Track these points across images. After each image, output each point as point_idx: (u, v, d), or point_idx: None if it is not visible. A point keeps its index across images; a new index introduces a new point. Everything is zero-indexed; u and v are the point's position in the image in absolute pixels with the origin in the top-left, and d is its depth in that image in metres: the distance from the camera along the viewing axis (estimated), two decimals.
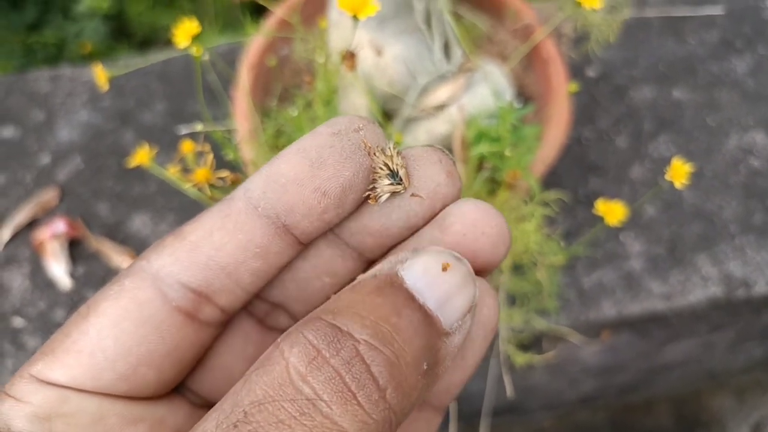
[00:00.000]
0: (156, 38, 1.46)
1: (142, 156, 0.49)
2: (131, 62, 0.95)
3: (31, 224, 0.83)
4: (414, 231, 0.26)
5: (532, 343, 0.83)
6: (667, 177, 0.46)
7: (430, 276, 0.22)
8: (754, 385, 1.45)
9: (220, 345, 0.27)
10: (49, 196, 0.84)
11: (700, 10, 0.94)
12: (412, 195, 0.25)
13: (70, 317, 0.24)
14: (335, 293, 0.27)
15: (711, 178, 0.87)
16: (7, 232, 0.82)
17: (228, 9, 1.41)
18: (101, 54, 1.41)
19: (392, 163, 0.24)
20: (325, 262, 0.27)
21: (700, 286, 0.81)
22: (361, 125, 0.25)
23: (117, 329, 0.23)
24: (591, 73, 0.94)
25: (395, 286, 0.22)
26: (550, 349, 0.85)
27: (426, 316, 0.22)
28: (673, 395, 1.43)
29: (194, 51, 0.38)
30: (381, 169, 0.24)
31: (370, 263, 0.27)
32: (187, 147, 0.43)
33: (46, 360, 0.22)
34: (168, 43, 1.44)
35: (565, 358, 0.96)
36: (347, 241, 0.26)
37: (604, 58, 0.95)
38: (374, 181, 0.25)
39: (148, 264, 0.24)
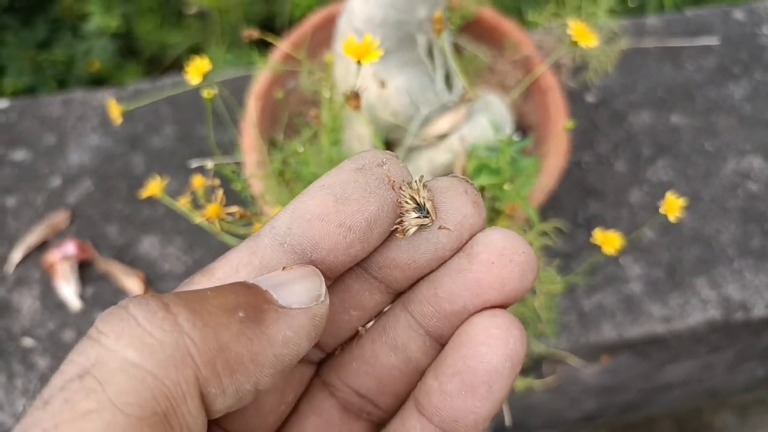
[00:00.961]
0: (164, 56, 1.49)
1: (153, 187, 0.51)
2: (140, 87, 0.97)
3: (42, 246, 0.84)
4: (442, 262, 0.26)
5: (531, 367, 0.84)
6: (662, 210, 0.48)
7: (273, 274, 0.24)
8: (756, 403, 1.45)
9: None
10: (59, 218, 0.85)
11: (697, 41, 0.96)
12: (440, 227, 0.25)
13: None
14: (363, 326, 0.28)
15: (709, 202, 0.89)
16: (18, 254, 0.84)
17: (235, 27, 1.43)
18: (109, 72, 1.43)
19: (419, 196, 0.25)
20: (352, 297, 0.27)
21: (699, 309, 0.82)
22: (384, 159, 0.25)
23: None
24: (590, 98, 0.96)
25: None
26: (549, 373, 0.86)
27: (250, 286, 0.23)
28: (675, 413, 1.44)
29: (205, 94, 0.40)
30: (407, 202, 0.25)
31: (397, 296, 0.28)
32: (197, 182, 0.45)
33: None
34: (176, 62, 1.46)
35: (565, 379, 0.97)
36: (375, 274, 0.27)
37: (603, 84, 0.96)
38: (401, 215, 0.25)
39: None
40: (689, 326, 0.81)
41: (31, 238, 0.84)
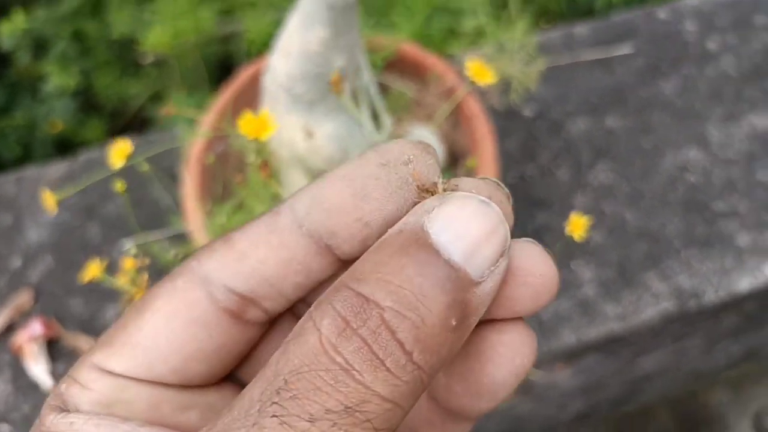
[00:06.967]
0: (126, 108, 1.49)
1: (93, 270, 0.53)
2: (92, 156, 0.99)
3: (9, 328, 0.86)
4: None
5: None
6: (567, 231, 0.50)
7: (456, 226, 0.22)
8: (744, 377, 1.48)
9: (266, 340, 0.28)
10: (23, 299, 0.87)
11: (612, 51, 1.00)
12: None
13: (128, 309, 0.26)
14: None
15: (651, 198, 0.92)
16: None
17: (193, 71, 1.44)
18: (73, 130, 1.43)
19: None
20: None
21: (652, 303, 0.85)
22: (411, 156, 0.25)
23: (169, 327, 0.25)
24: (528, 112, 0.99)
25: (420, 243, 0.22)
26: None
27: (452, 271, 0.22)
28: (669, 398, 1.46)
29: (118, 187, 0.42)
30: None
31: None
32: (128, 263, 0.47)
33: (105, 351, 0.25)
34: (138, 112, 1.47)
35: (542, 386, 0.99)
36: None
37: (538, 97, 1.00)
38: None
39: (198, 265, 0.25)
40: (644, 321, 0.84)
41: None
